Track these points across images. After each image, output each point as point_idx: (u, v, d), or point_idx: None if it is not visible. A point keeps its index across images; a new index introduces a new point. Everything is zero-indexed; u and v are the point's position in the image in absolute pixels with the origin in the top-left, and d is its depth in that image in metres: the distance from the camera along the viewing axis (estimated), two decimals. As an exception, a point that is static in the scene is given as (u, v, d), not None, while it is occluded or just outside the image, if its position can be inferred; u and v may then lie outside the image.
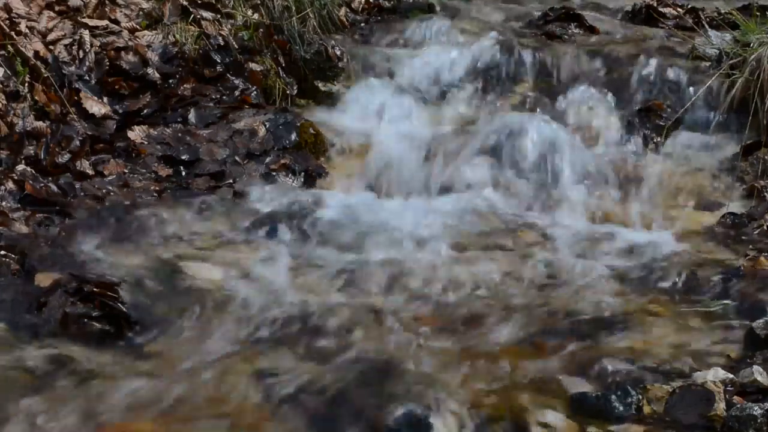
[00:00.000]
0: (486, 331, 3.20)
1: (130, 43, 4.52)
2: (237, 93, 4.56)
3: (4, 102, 4.04)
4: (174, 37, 4.64)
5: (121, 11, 4.67)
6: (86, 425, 2.70)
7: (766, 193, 4.16)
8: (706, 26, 5.17)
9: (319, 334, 3.14)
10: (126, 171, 4.09)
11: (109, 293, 3.20)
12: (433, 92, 4.82)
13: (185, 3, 4.74)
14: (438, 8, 5.40)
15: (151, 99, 4.43)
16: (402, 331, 3.17)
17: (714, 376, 2.80)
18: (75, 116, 4.18)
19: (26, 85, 4.16)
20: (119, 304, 3.18)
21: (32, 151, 4.01)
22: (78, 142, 4.09)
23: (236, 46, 4.68)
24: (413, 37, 5.13)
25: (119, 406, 2.77)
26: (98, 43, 4.47)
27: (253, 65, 4.66)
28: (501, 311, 3.32)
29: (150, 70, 4.48)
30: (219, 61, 4.63)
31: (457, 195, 4.19)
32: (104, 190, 3.95)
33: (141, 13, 4.73)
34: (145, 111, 4.38)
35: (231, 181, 4.12)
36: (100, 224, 3.73)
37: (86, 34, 4.45)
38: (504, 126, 4.43)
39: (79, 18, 4.52)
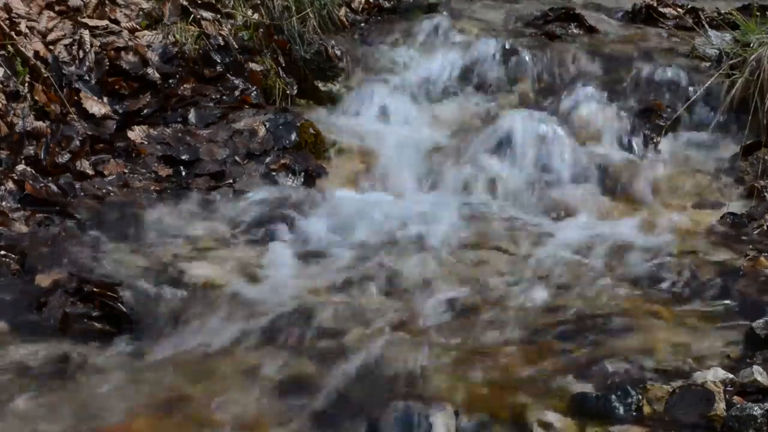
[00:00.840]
0: (486, 330, 3.20)
1: (130, 43, 4.52)
2: (237, 93, 4.56)
3: (4, 102, 4.04)
4: (174, 37, 4.64)
5: (121, 11, 4.67)
6: (86, 425, 2.70)
7: (766, 193, 4.16)
8: (706, 26, 5.17)
9: (319, 333, 3.15)
10: (126, 171, 4.09)
11: (109, 293, 3.20)
12: (432, 92, 4.82)
13: (185, 3, 4.74)
14: (438, 8, 5.39)
15: (151, 99, 4.43)
16: (402, 330, 3.17)
17: (714, 376, 2.80)
18: (75, 116, 4.18)
19: (26, 85, 4.16)
20: (119, 304, 3.18)
21: (32, 151, 4.01)
22: (78, 142, 4.09)
23: (236, 46, 4.68)
24: (413, 37, 5.13)
25: (119, 406, 2.77)
26: (98, 43, 4.46)
27: (253, 65, 4.66)
28: (501, 311, 3.32)
29: (150, 70, 4.48)
30: (219, 61, 4.63)
31: (457, 194, 4.19)
32: (104, 190, 3.95)
33: (141, 13, 4.73)
34: (145, 111, 4.38)
35: (231, 181, 4.12)
36: (100, 224, 3.74)
37: (86, 34, 4.45)
38: (504, 126, 4.44)
39: (79, 18, 4.52)
